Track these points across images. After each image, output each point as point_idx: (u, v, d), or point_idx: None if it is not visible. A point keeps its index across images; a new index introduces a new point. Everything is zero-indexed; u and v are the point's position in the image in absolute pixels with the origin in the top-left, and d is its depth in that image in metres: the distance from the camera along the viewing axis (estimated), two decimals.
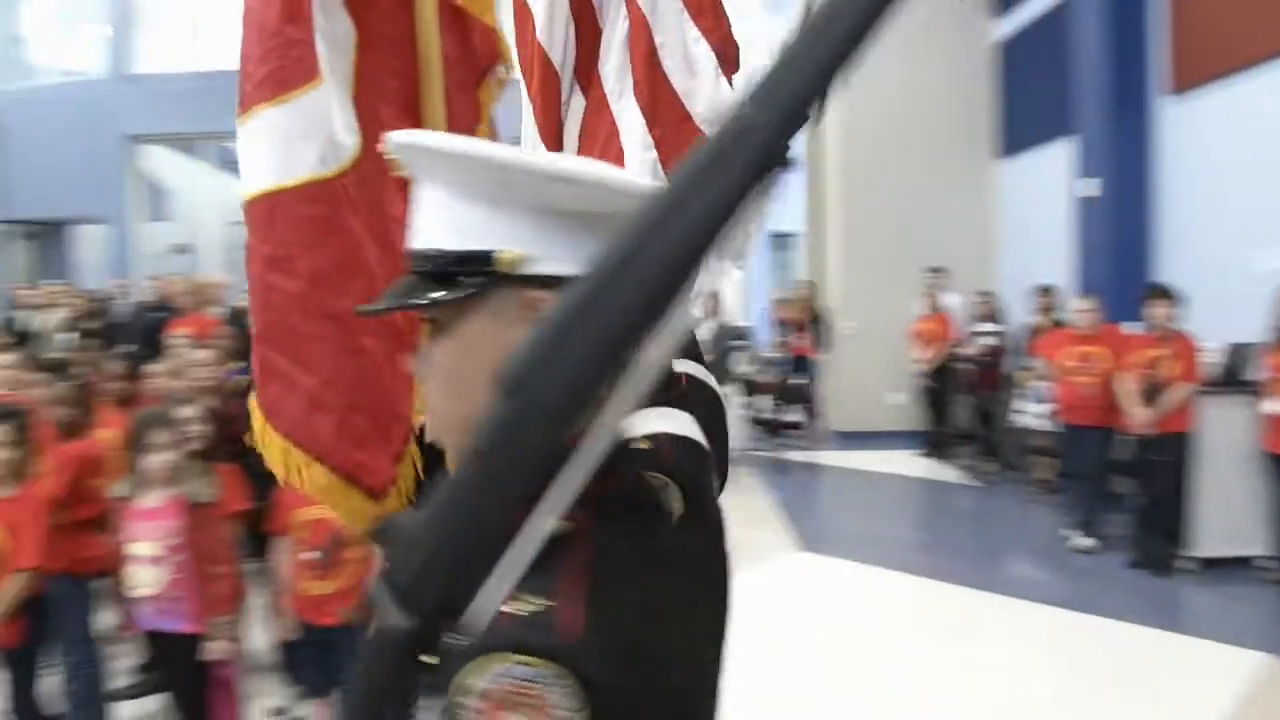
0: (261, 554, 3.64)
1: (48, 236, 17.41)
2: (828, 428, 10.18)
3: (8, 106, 16.28)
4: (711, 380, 1.33)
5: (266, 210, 1.37)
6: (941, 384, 9.26)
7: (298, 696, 3.87)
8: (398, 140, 0.93)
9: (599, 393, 0.67)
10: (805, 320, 9.77)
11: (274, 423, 1.37)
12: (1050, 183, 8.98)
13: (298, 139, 1.34)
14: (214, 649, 3.30)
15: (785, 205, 11.29)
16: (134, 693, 4.12)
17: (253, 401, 1.44)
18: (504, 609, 0.73)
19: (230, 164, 16.56)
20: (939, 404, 9.37)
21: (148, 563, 3.22)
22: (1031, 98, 9.77)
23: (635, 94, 1.89)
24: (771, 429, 9.82)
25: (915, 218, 10.35)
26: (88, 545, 3.72)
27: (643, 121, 1.86)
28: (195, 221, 15.99)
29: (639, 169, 1.83)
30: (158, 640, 3.32)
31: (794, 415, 9.87)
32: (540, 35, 1.92)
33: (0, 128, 16.25)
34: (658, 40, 1.86)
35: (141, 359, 4.72)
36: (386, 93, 1.52)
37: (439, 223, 0.91)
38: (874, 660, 4.82)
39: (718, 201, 0.65)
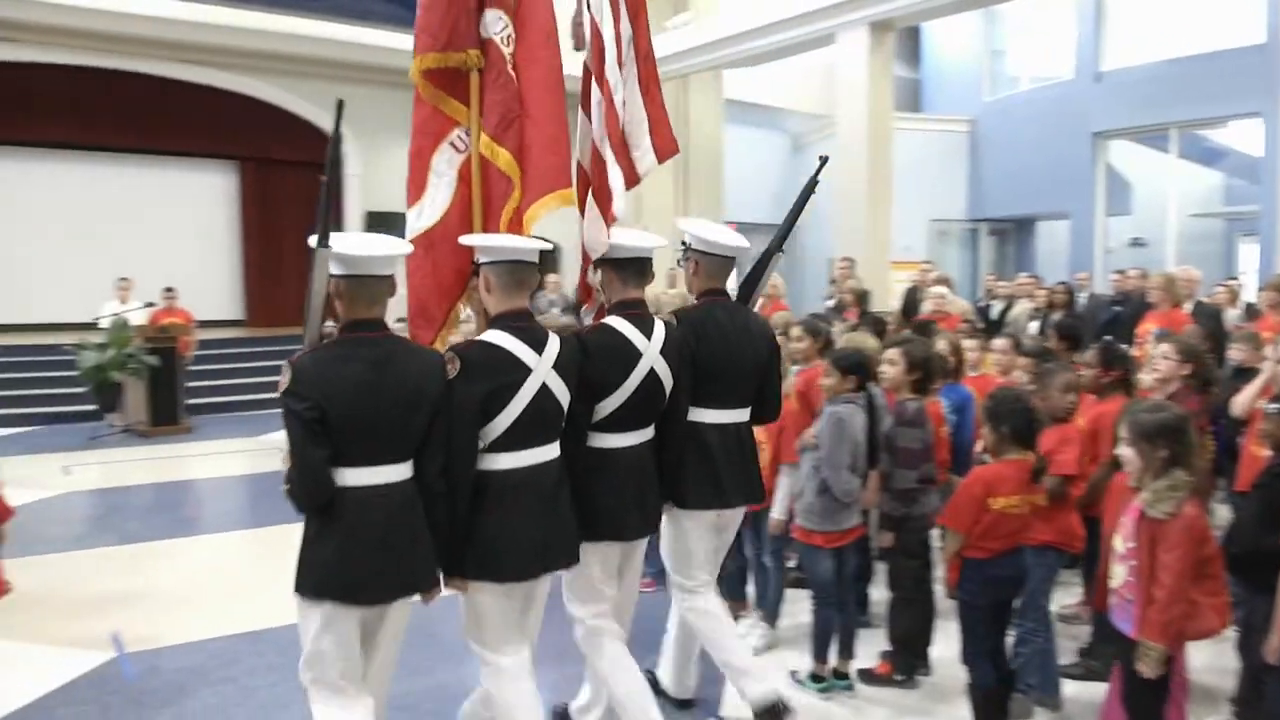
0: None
1: (1014, 232, 18.77)
2: None
3: (984, 115, 17.92)
4: (636, 340, 3.37)
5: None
6: None
7: None
8: (472, 240, 3.33)
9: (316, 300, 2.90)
10: None
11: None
12: None
13: (412, 219, 3.60)
14: (1142, 667, 3.03)
15: None
16: (1078, 673, 4.24)
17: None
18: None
19: (1193, 153, 15.67)
20: None
21: (1119, 558, 3.21)
22: None
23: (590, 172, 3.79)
24: None
25: None
26: (1073, 523, 4.02)
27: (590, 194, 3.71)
28: (1154, 213, 15.55)
29: (592, 221, 3.62)
30: (1117, 633, 3.28)
31: None
32: (597, 139, 3.76)
33: (978, 135, 17.99)
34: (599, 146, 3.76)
35: (1113, 351, 4.72)
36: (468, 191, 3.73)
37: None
38: None
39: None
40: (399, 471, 2.88)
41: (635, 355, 3.40)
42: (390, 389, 2.82)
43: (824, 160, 4.17)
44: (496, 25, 3.66)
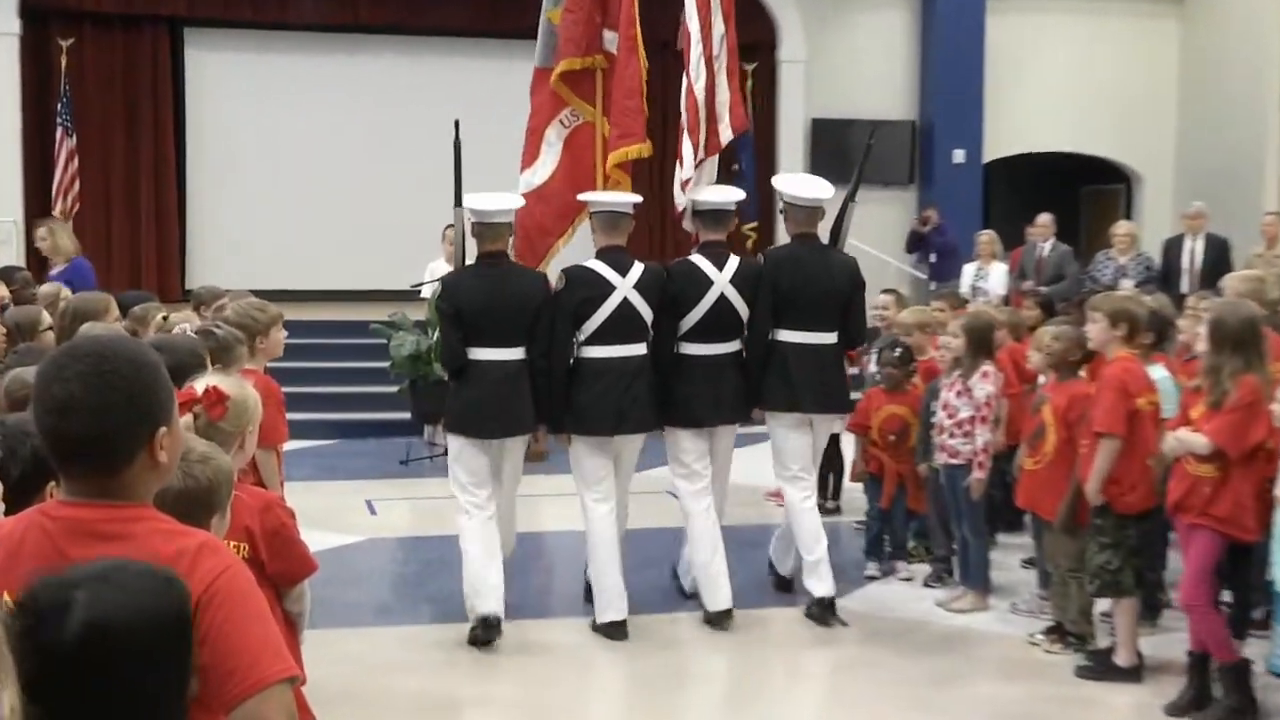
0: None
1: None
2: None
3: None
4: (710, 271, 5.92)
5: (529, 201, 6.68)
6: None
7: None
8: (586, 196, 6.29)
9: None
10: None
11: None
12: None
13: (527, 176, 6.89)
14: None
15: None
16: None
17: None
18: None
19: None
20: None
21: None
22: None
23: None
24: None
25: None
26: None
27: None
28: None
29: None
30: None
31: None
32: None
33: None
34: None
35: None
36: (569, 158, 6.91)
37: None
38: None
39: None
40: (511, 353, 5.55)
41: (708, 282, 5.76)
42: (504, 297, 5.52)
43: (873, 130, 7.05)
44: (612, 42, 6.59)
